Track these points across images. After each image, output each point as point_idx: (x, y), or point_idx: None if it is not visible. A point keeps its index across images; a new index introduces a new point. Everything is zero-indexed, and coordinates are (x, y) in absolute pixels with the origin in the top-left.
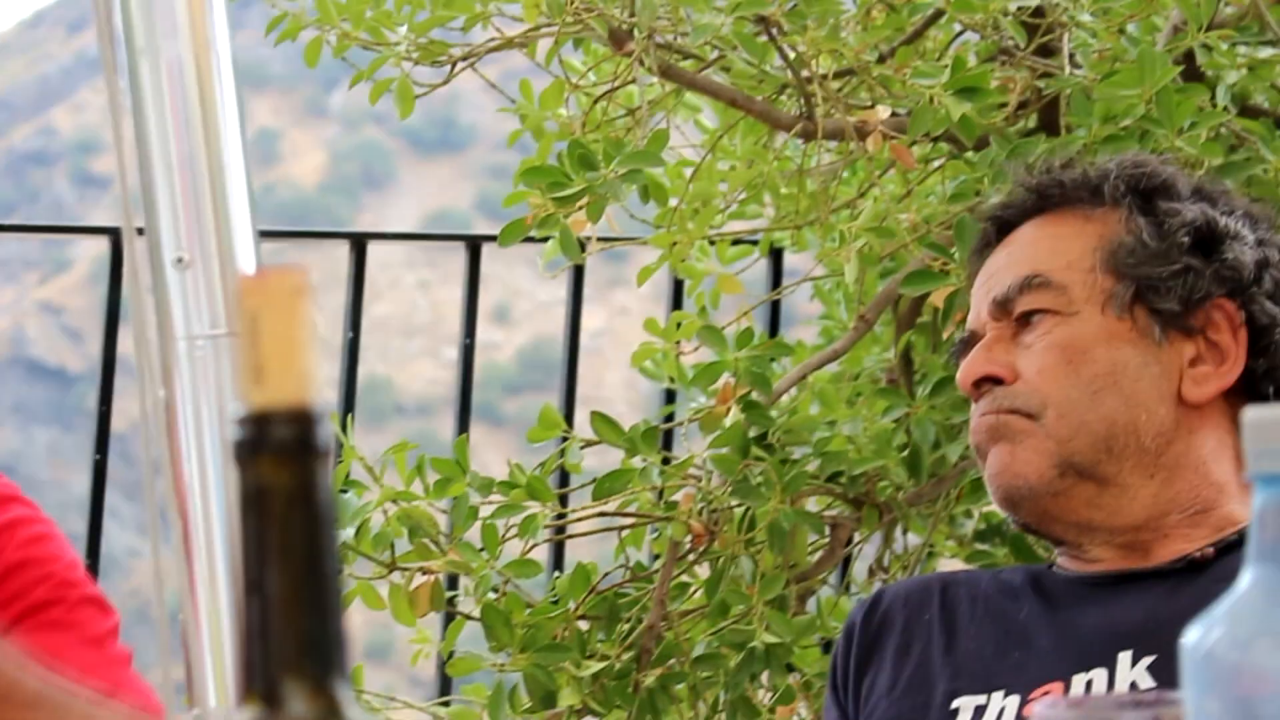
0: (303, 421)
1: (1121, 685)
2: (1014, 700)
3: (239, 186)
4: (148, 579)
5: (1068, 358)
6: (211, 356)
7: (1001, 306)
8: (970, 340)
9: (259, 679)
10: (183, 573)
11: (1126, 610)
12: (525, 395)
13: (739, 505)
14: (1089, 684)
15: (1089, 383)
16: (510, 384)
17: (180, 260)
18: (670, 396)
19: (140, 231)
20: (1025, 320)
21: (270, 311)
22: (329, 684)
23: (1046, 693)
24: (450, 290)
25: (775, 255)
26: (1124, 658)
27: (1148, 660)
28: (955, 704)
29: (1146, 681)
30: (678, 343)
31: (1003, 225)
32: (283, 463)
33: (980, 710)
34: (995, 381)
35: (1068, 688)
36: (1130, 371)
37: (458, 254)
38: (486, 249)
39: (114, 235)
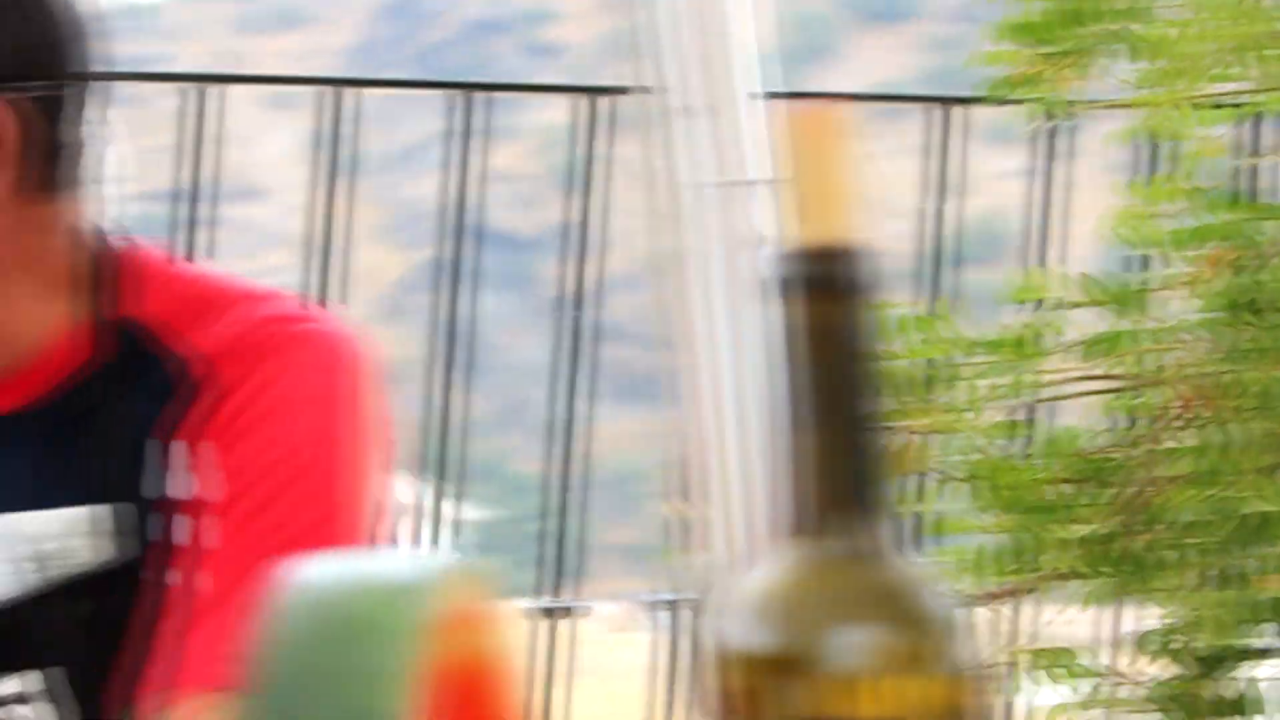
0: (848, 259)
1: None
2: None
3: (744, 39)
4: (612, 444)
5: None
6: (720, 204)
7: None
8: None
9: (806, 515)
10: (692, 420)
11: None
12: (969, 267)
13: (1228, 372)
14: None
15: None
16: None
17: (687, 109)
18: (1138, 265)
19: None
20: None
21: (813, 149)
22: (873, 521)
23: None
24: (896, 161)
25: (1253, 121)
26: None
27: None
28: None
29: None
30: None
31: None
32: (827, 299)
33: None
34: None
35: None
36: None
37: (901, 123)
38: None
39: (582, 94)
